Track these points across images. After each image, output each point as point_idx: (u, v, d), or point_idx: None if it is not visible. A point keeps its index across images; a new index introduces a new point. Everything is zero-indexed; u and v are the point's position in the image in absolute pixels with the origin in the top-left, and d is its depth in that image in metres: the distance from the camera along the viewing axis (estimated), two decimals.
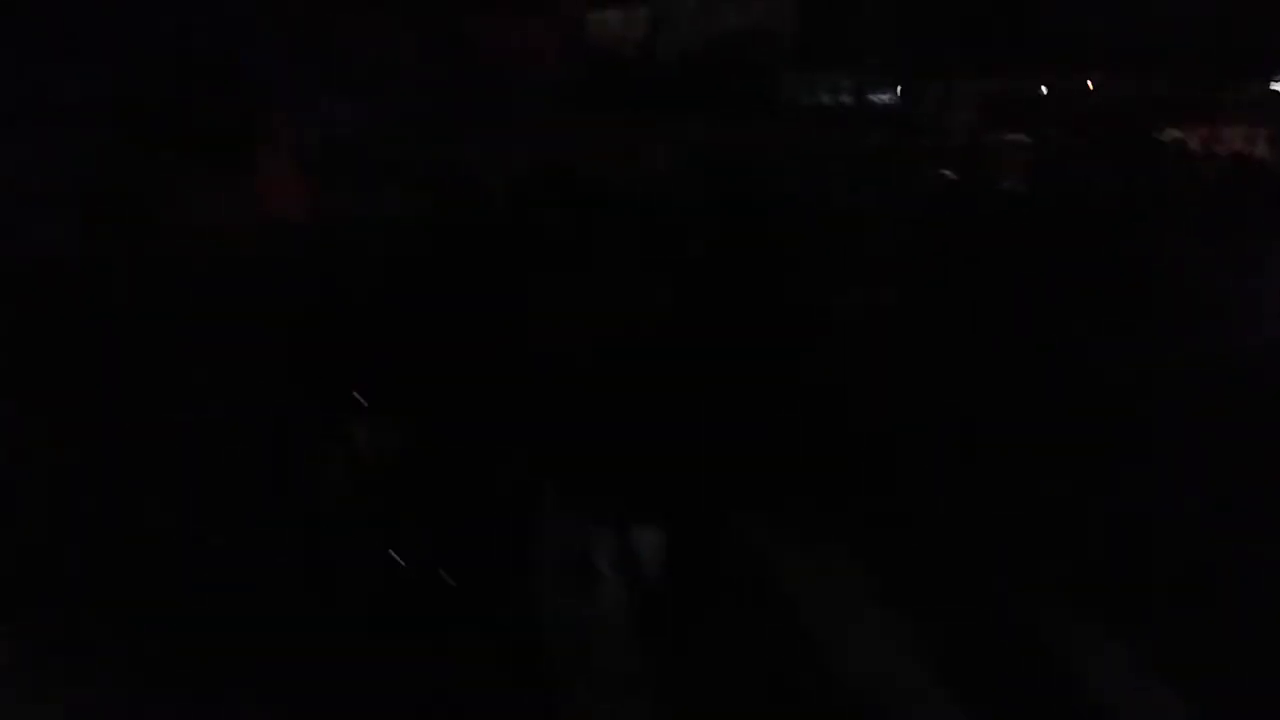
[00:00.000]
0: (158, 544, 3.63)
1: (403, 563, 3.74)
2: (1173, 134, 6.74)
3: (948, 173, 6.28)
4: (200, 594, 3.48)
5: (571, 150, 5.09)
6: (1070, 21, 6.41)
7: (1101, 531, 3.93)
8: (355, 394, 4.05)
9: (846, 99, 6.70)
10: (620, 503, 3.93)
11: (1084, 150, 6.88)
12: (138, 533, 3.64)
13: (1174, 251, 5.14)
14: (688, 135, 5.59)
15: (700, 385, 4.05)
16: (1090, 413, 4.38)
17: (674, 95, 5.87)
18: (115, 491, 3.72)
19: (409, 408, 4.08)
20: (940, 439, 4.36)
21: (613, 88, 5.69)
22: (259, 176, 4.29)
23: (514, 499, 3.95)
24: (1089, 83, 7.07)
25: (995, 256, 5.25)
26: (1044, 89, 6.90)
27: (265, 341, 4.03)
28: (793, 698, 3.25)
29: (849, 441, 4.25)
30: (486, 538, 3.86)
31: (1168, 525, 3.87)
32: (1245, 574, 3.59)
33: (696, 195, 5.30)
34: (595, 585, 3.85)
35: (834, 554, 4.04)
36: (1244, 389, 4.37)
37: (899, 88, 6.83)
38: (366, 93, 4.73)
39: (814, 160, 6.11)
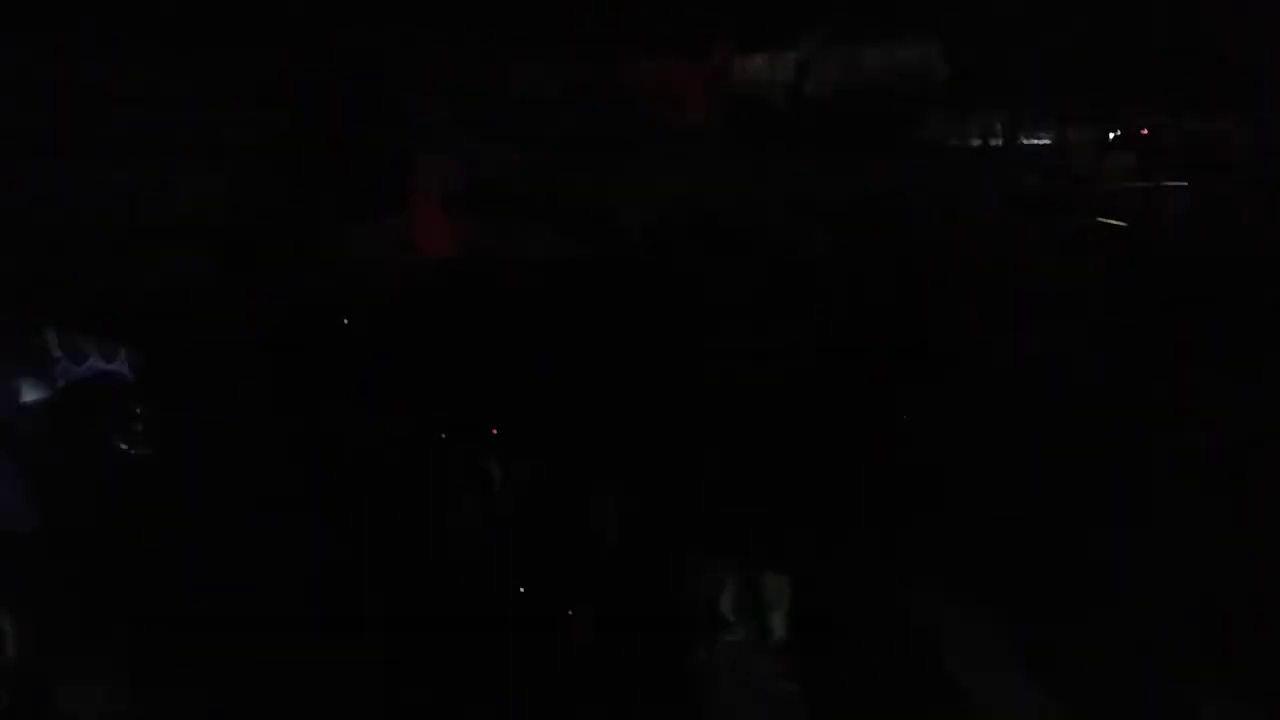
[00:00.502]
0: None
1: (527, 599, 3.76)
2: None
3: (1105, 219, 6.10)
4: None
5: (720, 194, 5.09)
6: (1233, 63, 6.20)
7: None
8: (491, 430, 4.09)
9: (998, 142, 6.57)
10: (749, 549, 3.94)
11: (1247, 199, 6.62)
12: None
13: None
14: (836, 178, 5.53)
15: (836, 431, 4.05)
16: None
17: (822, 138, 5.83)
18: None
19: (542, 446, 4.11)
20: (1091, 485, 4.22)
21: (761, 131, 5.67)
22: (410, 215, 4.37)
23: (638, 541, 3.97)
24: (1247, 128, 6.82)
25: (1152, 304, 5.11)
26: (1207, 133, 6.66)
27: (412, 377, 4.08)
28: None
29: (986, 489, 4.20)
30: (608, 579, 3.88)
31: None
32: None
33: (844, 239, 5.25)
34: (721, 631, 3.85)
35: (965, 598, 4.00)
36: None
37: (1054, 130, 6.68)
38: (516, 133, 4.79)
39: (965, 204, 6.00)
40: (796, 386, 4.15)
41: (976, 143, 6.40)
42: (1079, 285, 5.31)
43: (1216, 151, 6.60)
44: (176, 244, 4.15)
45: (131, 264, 4.05)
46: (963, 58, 6.16)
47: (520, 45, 4.93)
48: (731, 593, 3.81)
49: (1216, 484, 4.20)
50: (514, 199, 4.72)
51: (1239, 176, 6.52)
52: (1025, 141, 6.48)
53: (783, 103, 5.79)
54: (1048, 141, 6.50)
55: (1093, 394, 4.60)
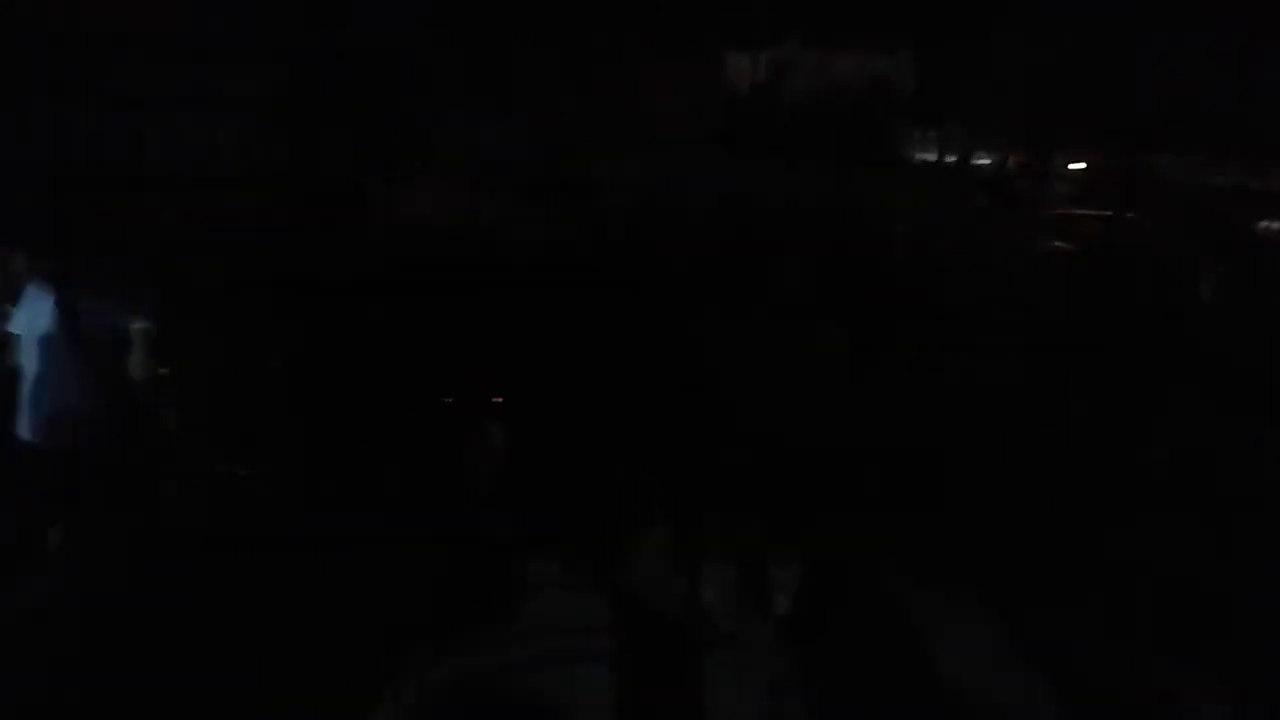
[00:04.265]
0: None
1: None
2: (1270, 226, 6.85)
3: (1052, 241, 6.42)
4: None
5: (701, 185, 5.24)
6: (1176, 106, 6.52)
7: None
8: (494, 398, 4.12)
9: (954, 159, 6.81)
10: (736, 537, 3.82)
11: (1175, 233, 6.99)
12: None
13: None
14: (804, 179, 5.70)
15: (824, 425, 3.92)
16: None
17: (794, 139, 6.00)
18: None
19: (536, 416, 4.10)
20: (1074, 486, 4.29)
21: (740, 129, 5.83)
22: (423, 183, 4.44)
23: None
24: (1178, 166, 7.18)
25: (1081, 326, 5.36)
26: (1143, 169, 7.01)
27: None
28: None
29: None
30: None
31: None
32: None
33: (806, 239, 5.42)
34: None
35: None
36: None
37: (1005, 153, 6.95)
38: (522, 114, 4.89)
39: (916, 215, 6.23)
40: (779, 372, 4.06)
41: (934, 157, 6.66)
42: (1034, 301, 5.53)
43: (1142, 185, 6.98)
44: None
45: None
46: (931, 73, 6.41)
47: (526, 40, 5.02)
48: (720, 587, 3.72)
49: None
50: (516, 179, 4.82)
51: (1162, 208, 6.91)
52: (979, 162, 6.76)
53: (761, 103, 6.00)
54: (999, 164, 6.79)
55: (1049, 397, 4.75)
